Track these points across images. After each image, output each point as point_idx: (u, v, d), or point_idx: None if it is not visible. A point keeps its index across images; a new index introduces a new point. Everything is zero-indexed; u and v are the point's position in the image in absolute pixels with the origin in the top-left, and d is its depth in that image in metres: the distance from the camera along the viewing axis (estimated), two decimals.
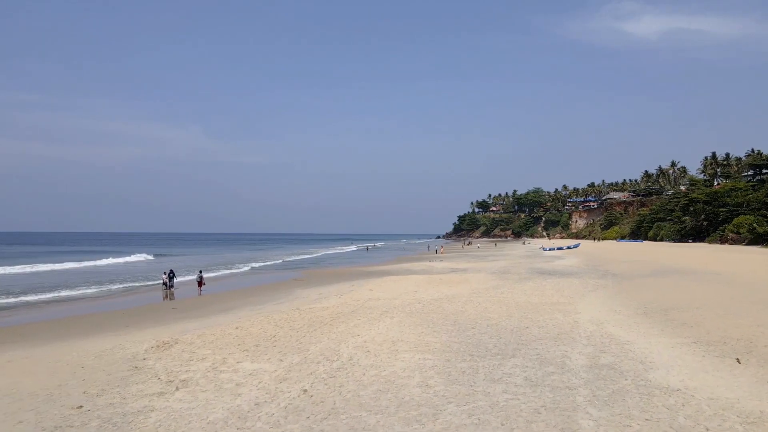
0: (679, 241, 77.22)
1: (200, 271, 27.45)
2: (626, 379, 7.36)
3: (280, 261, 57.57)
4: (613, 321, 12.36)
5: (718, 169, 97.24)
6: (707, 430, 5.49)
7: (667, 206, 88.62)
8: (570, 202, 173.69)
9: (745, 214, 63.98)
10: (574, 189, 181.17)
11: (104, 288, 28.82)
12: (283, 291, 24.43)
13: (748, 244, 59.02)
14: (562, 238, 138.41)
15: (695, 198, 76.31)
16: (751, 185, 72.94)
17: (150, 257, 64.01)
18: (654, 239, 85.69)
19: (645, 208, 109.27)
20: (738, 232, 63.15)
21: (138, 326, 15.12)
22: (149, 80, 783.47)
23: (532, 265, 35.83)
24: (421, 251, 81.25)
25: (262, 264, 51.32)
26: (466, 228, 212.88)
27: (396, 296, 18.08)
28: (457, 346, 9.84)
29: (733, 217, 66.14)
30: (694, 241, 74.28)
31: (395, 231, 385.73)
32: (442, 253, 68.25)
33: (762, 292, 16.88)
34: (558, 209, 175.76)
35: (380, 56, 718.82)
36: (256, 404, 6.79)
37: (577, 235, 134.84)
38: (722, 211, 69.75)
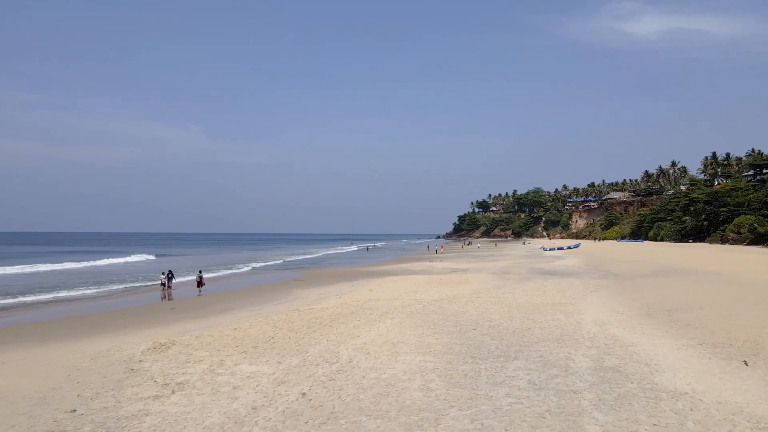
0: (680, 241, 77.09)
1: (200, 272, 27.29)
2: (632, 383, 7.20)
3: (281, 261, 57.45)
4: (616, 322, 12.21)
5: (719, 169, 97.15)
6: None
7: (668, 206, 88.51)
8: (570, 202, 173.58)
9: (746, 214, 63.85)
10: (574, 189, 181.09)
11: (103, 288, 28.67)
12: (282, 291, 24.29)
13: (749, 244, 58.89)
14: (562, 238, 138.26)
15: (696, 198, 76.19)
16: (752, 185, 72.84)
17: (152, 257, 63.83)
18: (654, 239, 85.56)
19: (645, 208, 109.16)
20: (739, 232, 63.01)
21: (136, 327, 14.98)
22: (149, 80, 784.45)
23: (532, 265, 35.68)
24: (421, 251, 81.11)
25: (263, 264, 51.21)
26: (466, 228, 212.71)
27: (396, 297, 17.93)
28: (458, 347, 9.69)
29: (734, 217, 66.00)
30: (694, 241, 74.13)
31: (395, 231, 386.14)
32: (442, 253, 68.10)
33: (765, 292, 16.73)
34: (558, 209, 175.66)
35: (380, 56, 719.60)
36: (253, 408, 6.64)
37: (577, 235, 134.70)
38: (723, 211, 69.62)
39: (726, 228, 66.68)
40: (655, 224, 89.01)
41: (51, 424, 6.32)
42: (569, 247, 70.99)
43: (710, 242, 68.05)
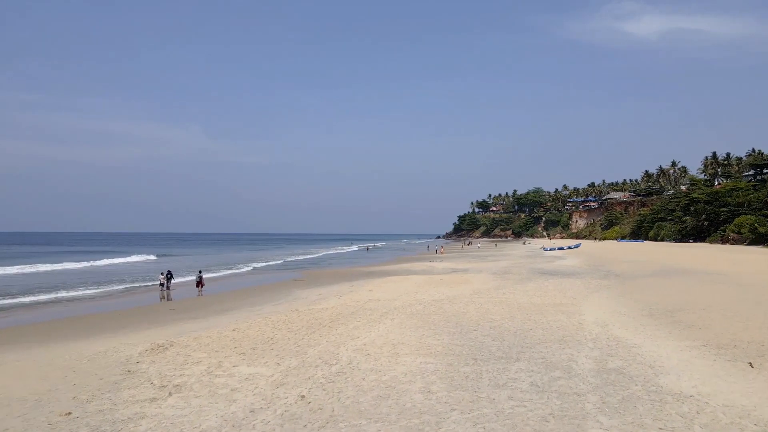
0: (680, 241, 76.97)
1: (200, 272, 27.17)
2: (636, 385, 7.09)
3: (281, 261, 57.35)
4: (619, 323, 12.10)
5: (719, 169, 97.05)
6: None
7: (668, 206, 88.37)
8: (570, 202, 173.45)
9: (747, 214, 63.75)
10: (575, 189, 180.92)
11: (103, 289, 28.55)
12: (282, 292, 24.18)
13: (750, 244, 58.79)
14: (562, 238, 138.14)
15: (696, 198, 76.07)
16: (752, 185, 72.73)
17: (152, 257, 63.69)
18: (655, 239, 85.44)
19: (645, 208, 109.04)
20: (739, 232, 62.90)
21: (134, 328, 14.87)
22: (149, 80, 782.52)
23: (533, 266, 35.57)
24: (421, 251, 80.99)
25: (264, 264, 51.12)
26: (466, 228, 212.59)
27: (396, 297, 17.82)
28: (459, 349, 9.58)
29: (734, 217, 65.90)
30: (694, 241, 74.02)
31: (395, 231, 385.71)
32: (442, 253, 67.98)
33: (766, 292, 16.63)
34: (558, 209, 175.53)
35: (380, 56, 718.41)
36: (251, 411, 6.53)
37: (577, 235, 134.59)
38: (723, 211, 69.51)
39: (726, 228, 66.57)
40: (656, 224, 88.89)
41: (46, 428, 6.22)
42: (569, 247, 70.83)
43: (711, 242, 67.93)
